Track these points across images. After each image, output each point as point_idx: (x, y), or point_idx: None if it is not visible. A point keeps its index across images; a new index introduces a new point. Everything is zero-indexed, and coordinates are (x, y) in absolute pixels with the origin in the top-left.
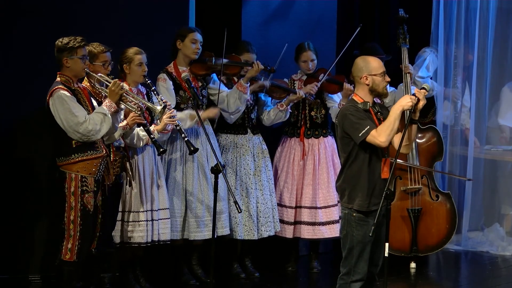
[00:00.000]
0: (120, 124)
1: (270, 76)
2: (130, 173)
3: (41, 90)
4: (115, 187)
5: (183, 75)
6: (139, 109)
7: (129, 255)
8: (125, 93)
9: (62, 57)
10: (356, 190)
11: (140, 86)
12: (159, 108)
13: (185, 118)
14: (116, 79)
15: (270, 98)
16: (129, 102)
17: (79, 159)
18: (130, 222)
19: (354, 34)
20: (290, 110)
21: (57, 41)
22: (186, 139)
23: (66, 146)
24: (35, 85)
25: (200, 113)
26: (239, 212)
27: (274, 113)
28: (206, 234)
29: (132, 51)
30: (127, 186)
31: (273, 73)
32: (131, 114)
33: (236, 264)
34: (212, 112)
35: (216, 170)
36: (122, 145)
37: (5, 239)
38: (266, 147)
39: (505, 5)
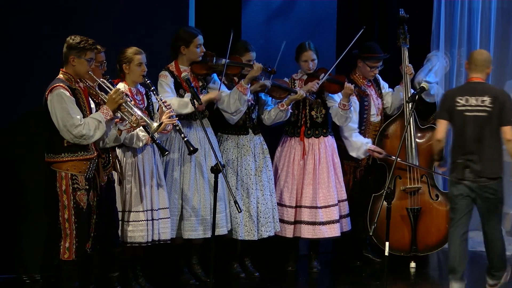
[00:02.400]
0: (124, 128)
1: (271, 76)
2: (120, 171)
3: (37, 89)
4: (108, 187)
5: (183, 74)
6: (135, 121)
7: (129, 254)
8: (124, 103)
9: (70, 55)
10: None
11: (139, 86)
12: (155, 125)
13: (186, 103)
14: (118, 88)
15: (270, 98)
16: (126, 112)
17: (68, 158)
18: (131, 222)
19: (357, 36)
20: (290, 110)
21: (68, 38)
22: (185, 139)
23: (57, 144)
24: (34, 85)
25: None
26: (238, 212)
27: (274, 112)
28: (201, 233)
29: (131, 51)
30: (118, 185)
31: (273, 74)
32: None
33: (236, 263)
34: (213, 94)
35: (216, 170)
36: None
37: (5, 239)
38: (266, 147)
39: (506, 5)
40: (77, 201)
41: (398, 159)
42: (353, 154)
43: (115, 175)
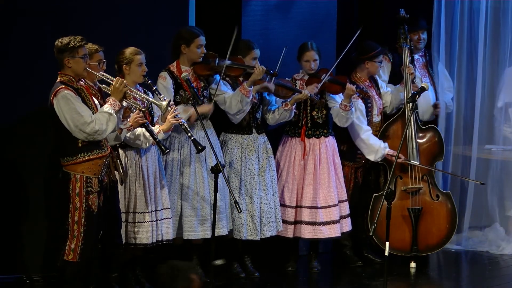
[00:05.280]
0: (125, 127)
1: (274, 78)
2: (122, 171)
3: (39, 90)
4: (110, 187)
5: (183, 74)
6: (143, 106)
7: (129, 255)
8: (129, 91)
9: (64, 58)
10: None
11: (138, 86)
12: (164, 103)
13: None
14: (119, 77)
15: (274, 98)
16: (132, 99)
17: (85, 158)
18: (136, 223)
19: (355, 37)
20: (295, 110)
21: (56, 42)
22: (192, 138)
23: (72, 146)
24: (34, 85)
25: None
26: (239, 212)
27: (279, 112)
28: (200, 233)
29: (130, 51)
30: (120, 185)
31: (275, 77)
32: (134, 115)
33: (236, 264)
34: (205, 108)
35: (216, 170)
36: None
37: (5, 239)
38: (270, 147)
39: (497, 4)
40: (89, 204)
41: (403, 158)
42: (371, 157)
43: (117, 175)
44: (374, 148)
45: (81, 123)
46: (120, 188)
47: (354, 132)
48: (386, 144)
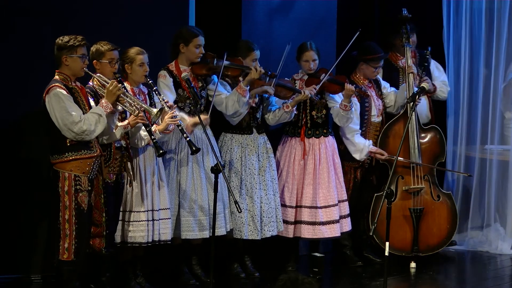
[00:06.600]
0: (121, 124)
1: (274, 79)
2: (131, 173)
3: (39, 89)
4: (116, 186)
5: (183, 74)
6: (136, 111)
7: (129, 255)
8: (123, 94)
9: (62, 55)
10: None
11: (141, 86)
12: (155, 110)
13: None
14: (113, 80)
15: (274, 98)
16: (126, 103)
17: (73, 157)
18: (131, 222)
19: (353, 39)
20: (295, 112)
21: (57, 39)
22: (188, 139)
23: (61, 144)
24: (34, 85)
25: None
26: (239, 212)
27: (279, 113)
28: (198, 233)
29: (133, 51)
30: (128, 186)
31: (274, 78)
32: (134, 115)
33: (236, 264)
34: (202, 116)
35: (216, 170)
36: (124, 144)
37: (5, 239)
38: (270, 146)
39: (491, 5)
40: (79, 202)
41: (400, 158)
42: (356, 156)
43: (125, 176)
44: (360, 147)
45: (70, 122)
46: (127, 189)
47: (342, 130)
48: (370, 141)
